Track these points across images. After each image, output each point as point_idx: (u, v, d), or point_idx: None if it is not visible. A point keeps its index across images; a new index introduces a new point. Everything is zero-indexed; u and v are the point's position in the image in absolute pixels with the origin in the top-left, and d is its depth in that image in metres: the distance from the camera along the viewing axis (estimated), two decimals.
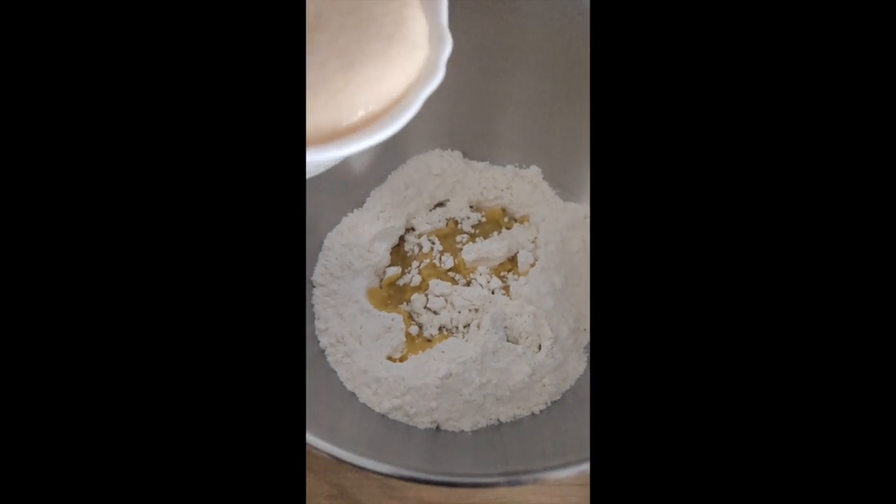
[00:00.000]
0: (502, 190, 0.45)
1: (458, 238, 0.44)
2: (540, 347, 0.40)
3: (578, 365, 0.40)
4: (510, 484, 0.26)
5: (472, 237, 0.44)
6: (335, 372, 0.40)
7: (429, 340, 0.41)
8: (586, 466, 0.26)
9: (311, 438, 0.28)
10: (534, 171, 0.45)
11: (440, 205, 0.45)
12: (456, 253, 0.43)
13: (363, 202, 0.45)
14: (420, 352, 0.40)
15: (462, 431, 0.38)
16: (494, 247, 0.43)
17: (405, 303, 0.42)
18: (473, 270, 0.42)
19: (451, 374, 0.38)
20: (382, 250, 0.43)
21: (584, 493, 0.39)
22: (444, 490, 0.39)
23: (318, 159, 0.23)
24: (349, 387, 0.39)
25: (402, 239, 0.44)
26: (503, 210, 0.45)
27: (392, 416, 0.38)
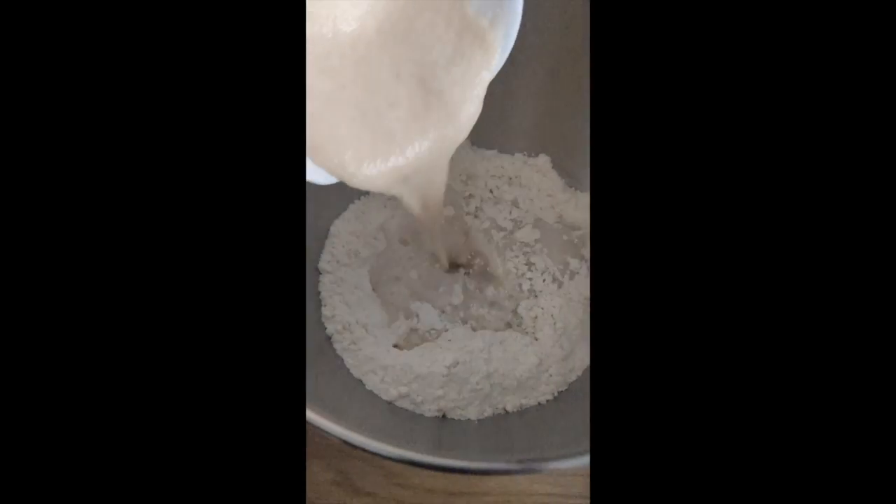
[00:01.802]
0: (510, 179, 0.45)
1: None
2: (548, 337, 0.40)
3: (586, 356, 0.40)
4: (516, 472, 0.25)
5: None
6: (342, 359, 0.40)
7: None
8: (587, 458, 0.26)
9: (319, 421, 0.28)
10: (542, 160, 0.45)
11: None
12: None
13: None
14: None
15: (468, 420, 0.38)
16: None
17: None
18: None
19: (457, 363, 0.38)
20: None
21: (587, 484, 0.39)
22: (450, 478, 0.39)
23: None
24: (356, 374, 0.39)
25: None
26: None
27: (399, 403, 0.38)
